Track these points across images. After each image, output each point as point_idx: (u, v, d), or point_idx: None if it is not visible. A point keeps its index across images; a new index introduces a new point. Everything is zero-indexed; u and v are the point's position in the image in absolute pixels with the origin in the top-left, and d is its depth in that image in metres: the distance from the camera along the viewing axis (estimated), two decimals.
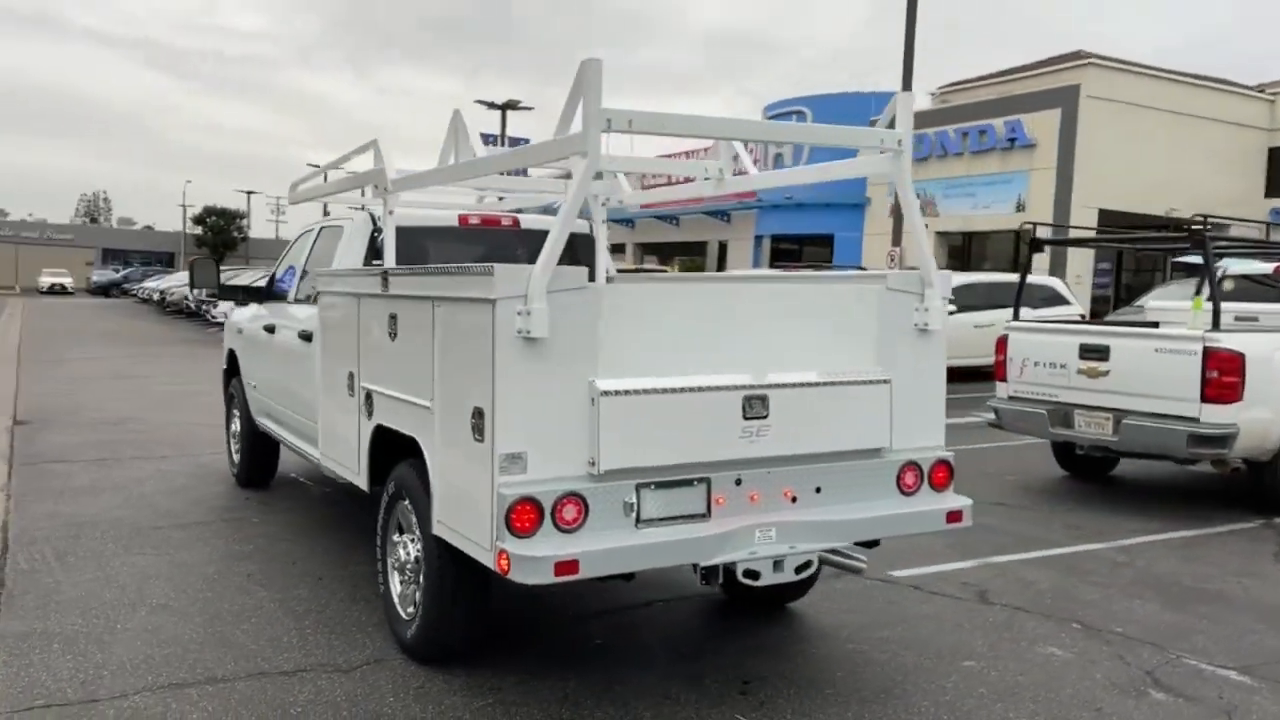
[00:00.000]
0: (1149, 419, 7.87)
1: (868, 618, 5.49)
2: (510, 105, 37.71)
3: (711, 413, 4.09)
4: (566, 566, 3.71)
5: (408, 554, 4.72)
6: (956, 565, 6.55)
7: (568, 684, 4.50)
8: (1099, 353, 8.23)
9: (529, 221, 6.81)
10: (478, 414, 3.91)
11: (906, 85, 15.28)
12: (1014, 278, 18.99)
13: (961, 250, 34.45)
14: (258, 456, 8.21)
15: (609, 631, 5.23)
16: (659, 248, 51.74)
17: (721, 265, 44.78)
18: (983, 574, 6.37)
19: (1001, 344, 9.06)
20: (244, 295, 8.00)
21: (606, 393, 3.88)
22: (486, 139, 31.27)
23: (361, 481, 5.23)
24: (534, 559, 3.69)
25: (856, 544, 4.63)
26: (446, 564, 4.36)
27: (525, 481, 3.79)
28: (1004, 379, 9.02)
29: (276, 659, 4.72)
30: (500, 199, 7.67)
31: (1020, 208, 31.30)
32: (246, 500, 8.01)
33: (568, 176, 6.75)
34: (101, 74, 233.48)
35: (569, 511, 3.84)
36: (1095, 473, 9.67)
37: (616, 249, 51.75)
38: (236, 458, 8.59)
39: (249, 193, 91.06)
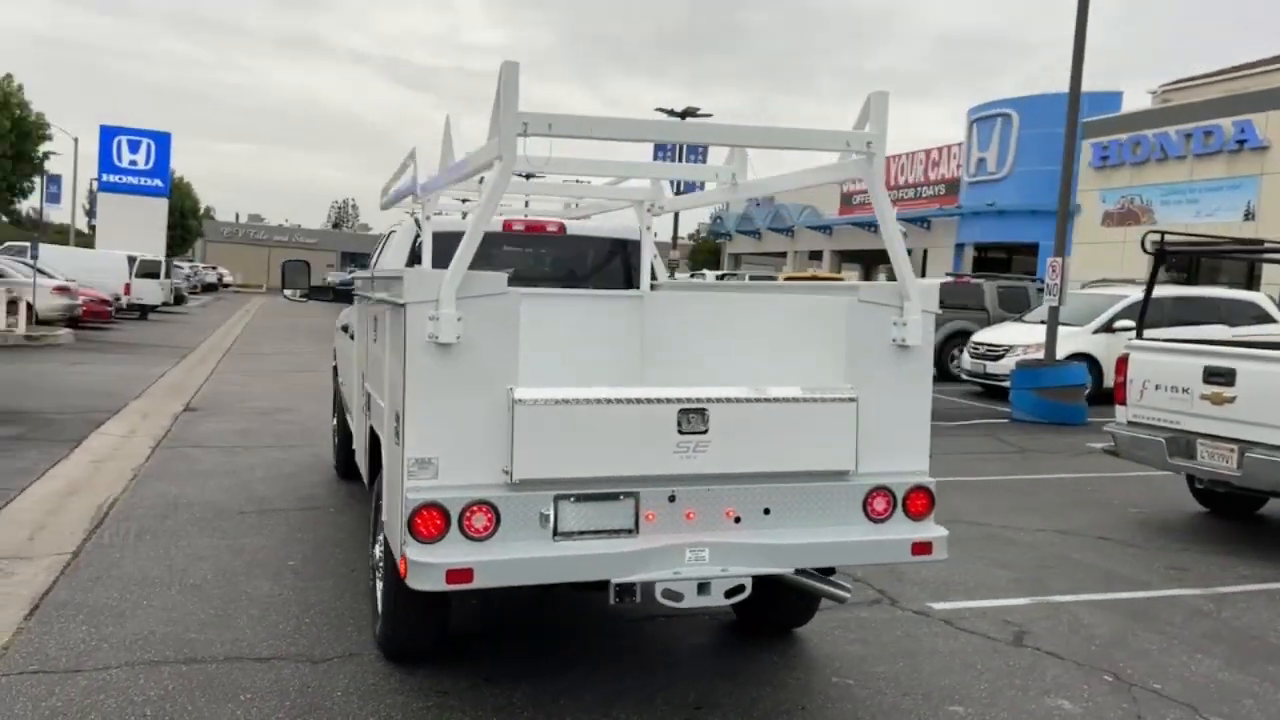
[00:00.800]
0: (1277, 453, 7.01)
1: (872, 650, 5.15)
2: (689, 113, 37.90)
3: (641, 426, 3.95)
4: (459, 575, 3.68)
5: (376, 555, 4.82)
6: (1009, 601, 6.05)
7: (515, 693, 4.46)
8: (1224, 376, 7.40)
9: (576, 227, 6.81)
10: (397, 417, 3.94)
11: (1075, 84, 14.23)
12: (1206, 291, 17.43)
13: (1189, 263, 31.84)
14: (346, 450, 8.60)
15: (588, 643, 5.15)
16: (859, 255, 50.59)
17: (923, 274, 43.31)
18: (1035, 613, 5.85)
19: (1122, 364, 8.30)
20: (333, 295, 8.40)
21: (522, 401, 3.82)
22: (660, 151, 31.53)
23: (367, 481, 5.38)
24: (427, 565, 3.68)
25: (819, 570, 4.37)
26: (392, 566, 4.42)
27: (433, 487, 3.79)
28: (1124, 402, 8.26)
29: (259, 645, 4.92)
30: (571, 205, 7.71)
31: (1249, 216, 28.63)
32: (337, 492, 8.40)
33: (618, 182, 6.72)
34: (356, 91, 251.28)
35: (479, 520, 3.80)
36: (1239, 511, 8.70)
37: (814, 255, 51.02)
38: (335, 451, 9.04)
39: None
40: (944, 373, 19.21)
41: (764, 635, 5.26)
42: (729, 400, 4.05)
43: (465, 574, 3.69)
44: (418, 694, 4.43)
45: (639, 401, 3.96)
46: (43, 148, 21.53)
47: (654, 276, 6.74)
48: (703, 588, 3.93)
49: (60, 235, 54.18)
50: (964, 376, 17.68)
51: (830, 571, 4.61)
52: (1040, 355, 14.96)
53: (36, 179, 21.81)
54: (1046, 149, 31.98)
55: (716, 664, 4.91)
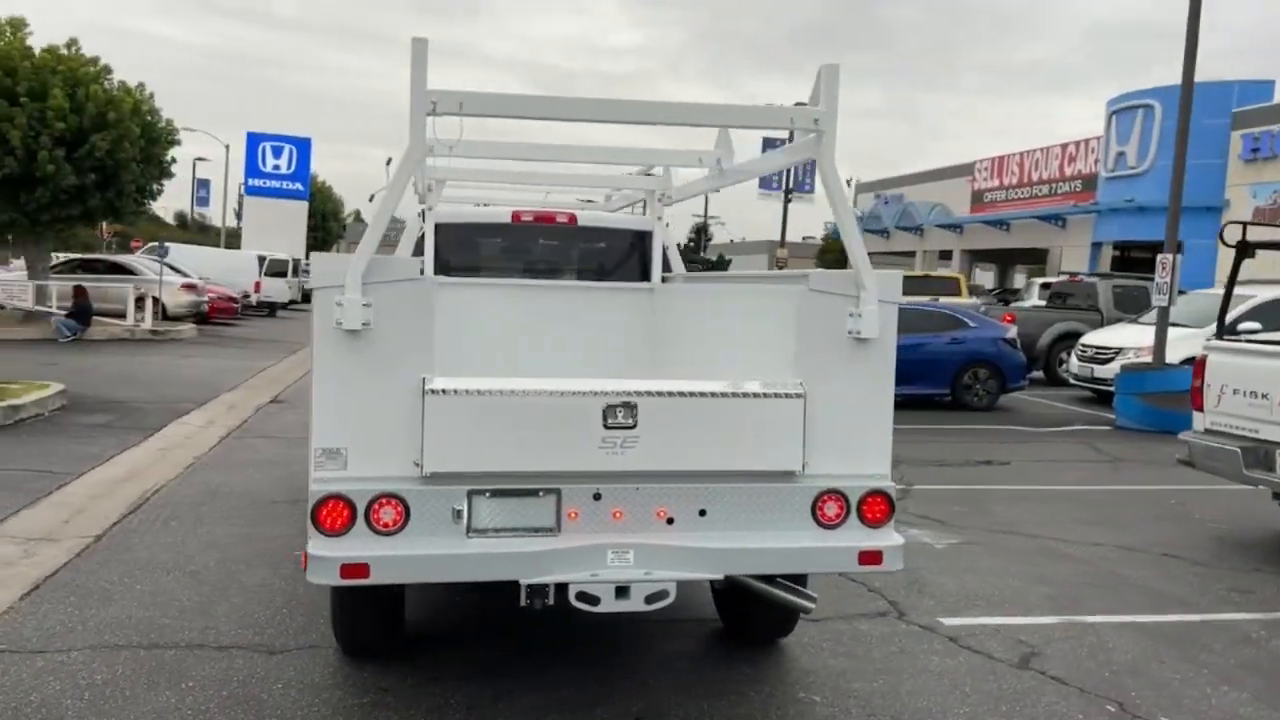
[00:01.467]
0: None
1: (856, 665, 4.81)
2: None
3: (564, 420, 3.76)
4: (354, 570, 3.57)
5: None
6: (1033, 619, 5.59)
7: (455, 694, 4.32)
8: None
9: (587, 218, 6.64)
10: (310, 407, 3.85)
11: (1190, 65, 13.25)
12: None
13: None
14: None
15: (556, 645, 4.95)
16: (991, 254, 48.85)
17: (1057, 273, 41.39)
18: (1056, 633, 5.39)
19: (1199, 367, 7.62)
20: None
21: (434, 391, 3.68)
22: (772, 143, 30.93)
23: None
24: (322, 559, 3.57)
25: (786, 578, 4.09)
26: None
27: (340, 478, 3.68)
28: (1200, 409, 7.58)
29: (225, 634, 4.93)
30: (608, 197, 7.55)
31: None
32: None
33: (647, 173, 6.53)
34: None
35: (387, 513, 3.68)
36: None
37: (944, 255, 49.43)
38: None
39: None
40: (1051, 376, 18.24)
41: (747, 646, 4.98)
42: (659, 394, 3.82)
43: (361, 569, 3.57)
44: (358, 690, 4.34)
45: (560, 394, 3.76)
46: (170, 152, 22.56)
47: (668, 268, 6.51)
48: (621, 592, 3.71)
49: (206, 236, 57.30)
50: (1071, 380, 16.71)
51: (802, 580, 4.32)
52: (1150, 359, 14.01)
53: (165, 182, 22.86)
54: (1192, 141, 30.01)
55: (676, 673, 4.66)
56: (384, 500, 3.68)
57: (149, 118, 21.66)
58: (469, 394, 3.70)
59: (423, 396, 3.67)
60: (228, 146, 50.41)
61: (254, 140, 51.56)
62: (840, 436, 3.98)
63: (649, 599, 3.72)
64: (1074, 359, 16.64)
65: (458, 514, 3.72)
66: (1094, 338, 16.65)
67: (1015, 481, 9.64)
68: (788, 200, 40.71)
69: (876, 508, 3.98)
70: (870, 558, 3.88)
